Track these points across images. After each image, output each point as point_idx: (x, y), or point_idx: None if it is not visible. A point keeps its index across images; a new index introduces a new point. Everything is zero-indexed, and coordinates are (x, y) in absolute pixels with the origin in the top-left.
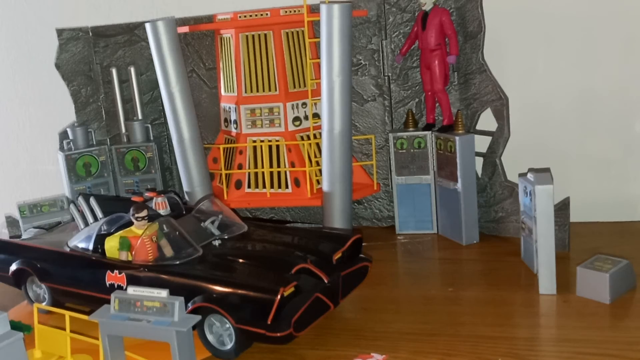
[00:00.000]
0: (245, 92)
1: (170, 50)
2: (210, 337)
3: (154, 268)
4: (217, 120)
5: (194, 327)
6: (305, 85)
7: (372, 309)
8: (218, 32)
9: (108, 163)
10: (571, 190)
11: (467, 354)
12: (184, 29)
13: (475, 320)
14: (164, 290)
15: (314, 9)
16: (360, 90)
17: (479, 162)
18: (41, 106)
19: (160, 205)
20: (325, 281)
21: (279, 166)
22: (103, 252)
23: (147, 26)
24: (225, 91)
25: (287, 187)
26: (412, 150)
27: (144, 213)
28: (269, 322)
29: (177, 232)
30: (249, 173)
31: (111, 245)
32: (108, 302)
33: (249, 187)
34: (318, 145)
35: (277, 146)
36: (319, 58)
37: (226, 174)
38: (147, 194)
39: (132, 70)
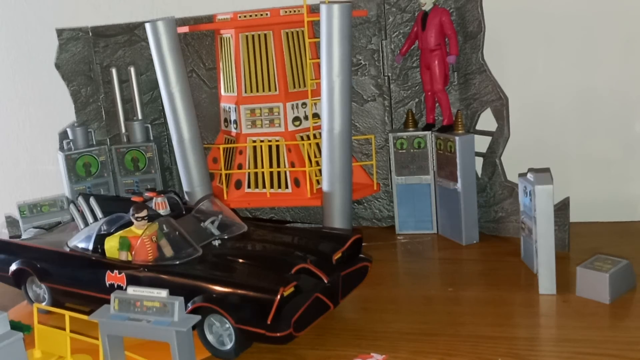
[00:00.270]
0: (245, 92)
1: (170, 50)
2: (210, 337)
3: (153, 268)
4: (217, 120)
5: (193, 327)
6: (305, 85)
7: (372, 309)
8: (218, 32)
9: (108, 163)
10: (571, 190)
11: (467, 354)
12: (184, 29)
13: (475, 320)
14: (163, 290)
15: (314, 9)
16: (360, 90)
17: (479, 162)
18: (41, 106)
19: (160, 205)
20: (325, 281)
21: (279, 166)
22: (103, 252)
23: (147, 26)
24: (225, 91)
25: (287, 187)
26: (412, 150)
27: (144, 213)
28: (268, 322)
29: (177, 232)
30: (249, 173)
31: (111, 245)
32: (108, 302)
33: (248, 187)
34: (318, 145)
35: (277, 146)
36: (319, 58)
37: (226, 174)
38: (147, 194)
39: (132, 70)
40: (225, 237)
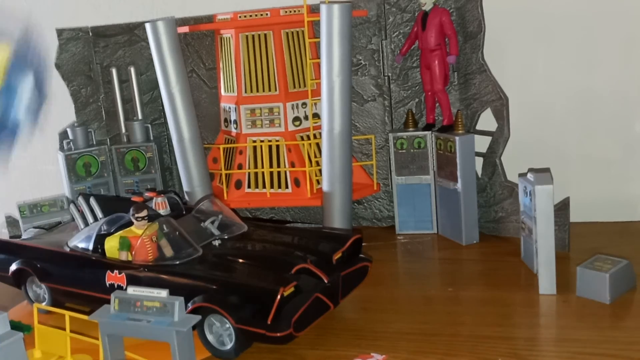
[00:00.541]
0: (245, 92)
1: (170, 50)
2: (210, 337)
3: (154, 268)
4: (217, 120)
5: (194, 327)
6: (305, 85)
7: (372, 309)
8: (218, 32)
9: (108, 163)
10: (571, 190)
11: (467, 354)
12: (184, 29)
13: (475, 320)
14: (163, 290)
15: (314, 9)
16: (360, 90)
17: (479, 162)
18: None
19: (160, 205)
20: (325, 281)
21: (279, 166)
22: (103, 252)
23: (147, 26)
24: (225, 91)
25: (287, 187)
26: (412, 150)
27: (144, 213)
28: (269, 322)
29: (177, 232)
30: (249, 173)
31: (111, 245)
32: (108, 302)
33: (249, 187)
34: (318, 145)
35: (277, 146)
36: (319, 58)
37: (226, 174)
38: (147, 194)
39: (132, 70)
40: (225, 237)
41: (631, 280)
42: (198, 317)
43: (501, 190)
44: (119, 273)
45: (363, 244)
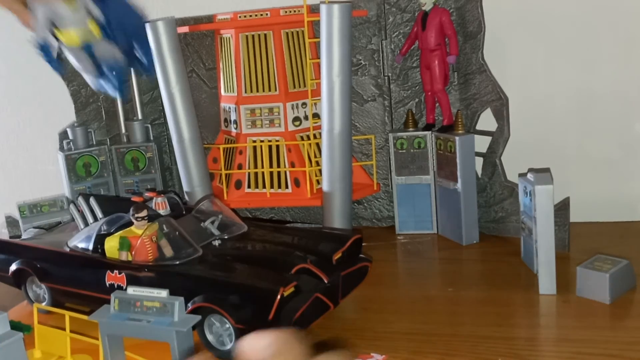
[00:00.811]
0: (245, 92)
1: (170, 50)
2: (210, 337)
3: (154, 268)
4: (217, 120)
5: (194, 327)
6: (305, 85)
7: (372, 309)
8: (218, 32)
9: (108, 163)
10: (571, 190)
11: (467, 354)
12: (184, 29)
13: (475, 320)
14: (164, 290)
15: (314, 9)
16: (360, 90)
17: (479, 162)
18: (41, 106)
19: (160, 205)
20: (325, 281)
21: (279, 166)
22: (103, 252)
23: (147, 26)
24: (225, 91)
25: (287, 187)
26: (412, 150)
27: (144, 213)
28: (269, 322)
29: (177, 232)
30: (249, 173)
31: (111, 245)
32: (108, 302)
33: (249, 187)
34: (318, 145)
35: (277, 146)
36: (319, 58)
37: (226, 174)
38: (147, 194)
39: (132, 70)
40: (225, 237)
41: (631, 280)
42: (198, 317)
43: (501, 190)
44: (119, 273)
45: (363, 244)
